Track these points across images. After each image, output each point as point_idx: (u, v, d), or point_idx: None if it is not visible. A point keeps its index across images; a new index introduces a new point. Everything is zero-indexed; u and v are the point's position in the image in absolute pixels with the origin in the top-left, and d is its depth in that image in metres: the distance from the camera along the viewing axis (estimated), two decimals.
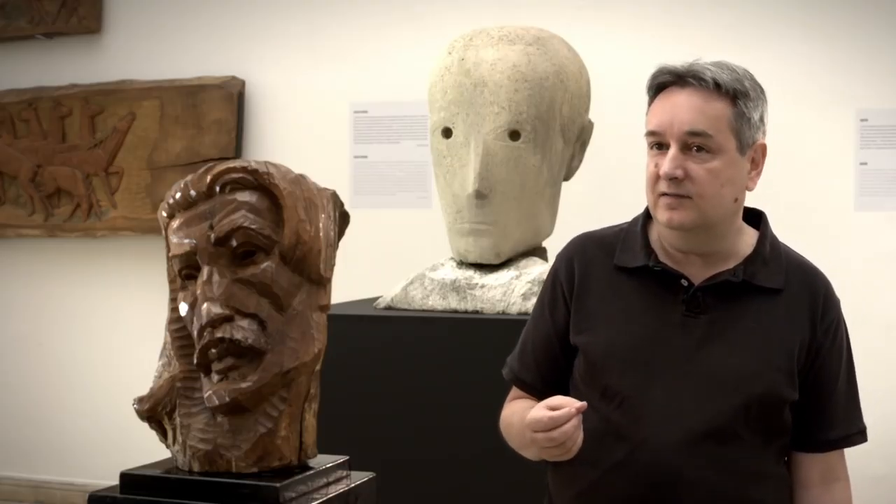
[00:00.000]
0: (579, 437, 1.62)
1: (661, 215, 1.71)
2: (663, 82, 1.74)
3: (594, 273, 1.82)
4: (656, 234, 1.82)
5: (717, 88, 1.68)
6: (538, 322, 1.90)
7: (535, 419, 1.63)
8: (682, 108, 1.68)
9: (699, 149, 1.67)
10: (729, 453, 1.68)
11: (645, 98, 1.82)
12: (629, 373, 1.73)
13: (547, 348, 1.87)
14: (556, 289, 1.87)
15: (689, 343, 1.72)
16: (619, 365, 1.74)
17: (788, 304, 1.74)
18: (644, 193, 1.80)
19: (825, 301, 1.77)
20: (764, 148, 1.76)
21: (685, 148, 1.68)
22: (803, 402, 1.75)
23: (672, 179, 1.67)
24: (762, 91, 1.75)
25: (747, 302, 1.73)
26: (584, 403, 1.60)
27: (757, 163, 1.75)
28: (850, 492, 1.81)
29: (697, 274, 1.75)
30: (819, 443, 1.77)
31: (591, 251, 1.85)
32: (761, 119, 1.73)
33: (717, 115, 1.68)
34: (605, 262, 1.82)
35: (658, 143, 1.72)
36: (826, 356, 1.75)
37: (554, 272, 1.89)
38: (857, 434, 1.79)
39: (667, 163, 1.67)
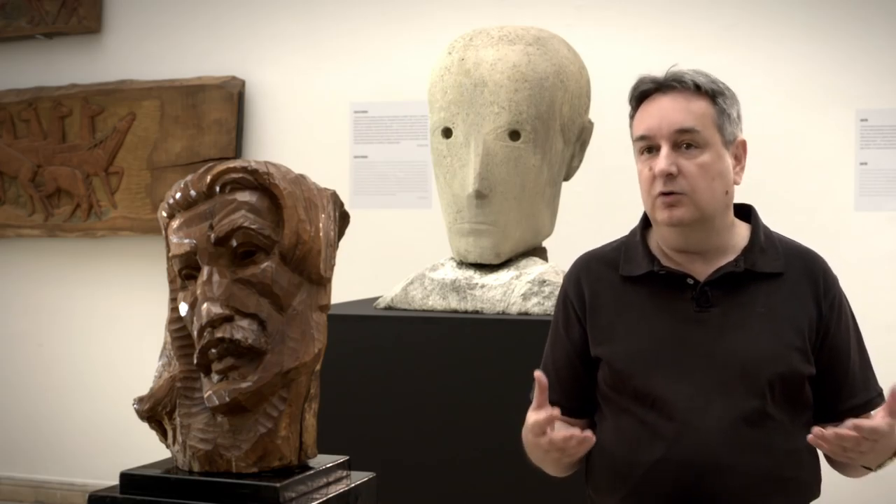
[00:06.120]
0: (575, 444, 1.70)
1: (661, 215, 1.79)
2: (645, 90, 1.84)
3: (602, 288, 1.90)
4: (656, 241, 1.89)
5: (697, 89, 1.80)
6: (555, 344, 1.97)
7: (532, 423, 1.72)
8: (669, 109, 1.79)
9: (688, 146, 1.77)
10: (762, 434, 1.75)
11: None
12: (655, 373, 1.79)
13: (567, 366, 1.93)
14: (568, 308, 1.93)
15: (705, 336, 1.79)
16: (643, 367, 1.80)
17: (791, 287, 1.83)
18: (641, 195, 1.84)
19: (825, 279, 1.85)
20: (744, 144, 1.86)
21: (675, 147, 1.77)
22: (822, 378, 1.82)
23: (668, 176, 1.76)
24: (734, 93, 1.86)
25: (752, 289, 1.81)
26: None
27: (740, 158, 1.86)
28: None
29: (700, 271, 1.82)
30: (845, 412, 1.83)
31: (596, 268, 1.93)
32: (738, 116, 1.85)
33: (701, 112, 1.78)
34: (611, 275, 1.89)
35: (649, 147, 1.81)
36: (835, 331, 1.83)
37: (563, 293, 1.96)
38: (878, 397, 1.86)
39: (661, 161, 1.76)
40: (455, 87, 2.87)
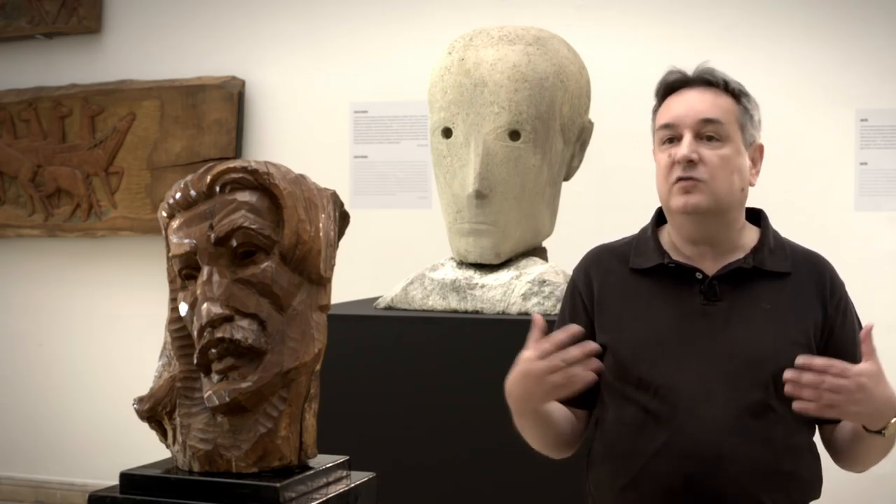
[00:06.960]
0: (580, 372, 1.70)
1: (677, 201, 1.82)
2: (673, 83, 1.88)
3: (611, 279, 1.92)
4: (667, 236, 1.92)
5: (725, 87, 1.86)
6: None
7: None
8: (696, 100, 1.84)
9: (710, 138, 1.82)
10: (763, 427, 1.77)
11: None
12: (660, 362, 1.81)
13: None
14: (576, 298, 1.96)
15: (711, 328, 1.81)
16: (649, 357, 1.82)
17: (797, 287, 1.86)
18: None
19: (831, 282, 1.88)
20: (762, 148, 1.91)
21: (698, 137, 1.82)
22: None
23: (688, 163, 1.79)
24: (756, 101, 1.92)
25: (759, 286, 1.84)
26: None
27: (756, 161, 1.90)
28: None
29: (709, 267, 1.85)
30: None
31: (606, 260, 1.96)
32: (759, 121, 1.90)
33: (726, 107, 1.84)
34: (621, 268, 1.92)
35: (670, 137, 1.84)
36: (839, 331, 1.86)
37: (572, 284, 1.99)
38: None
39: (683, 147, 1.80)
40: (455, 87, 2.87)
